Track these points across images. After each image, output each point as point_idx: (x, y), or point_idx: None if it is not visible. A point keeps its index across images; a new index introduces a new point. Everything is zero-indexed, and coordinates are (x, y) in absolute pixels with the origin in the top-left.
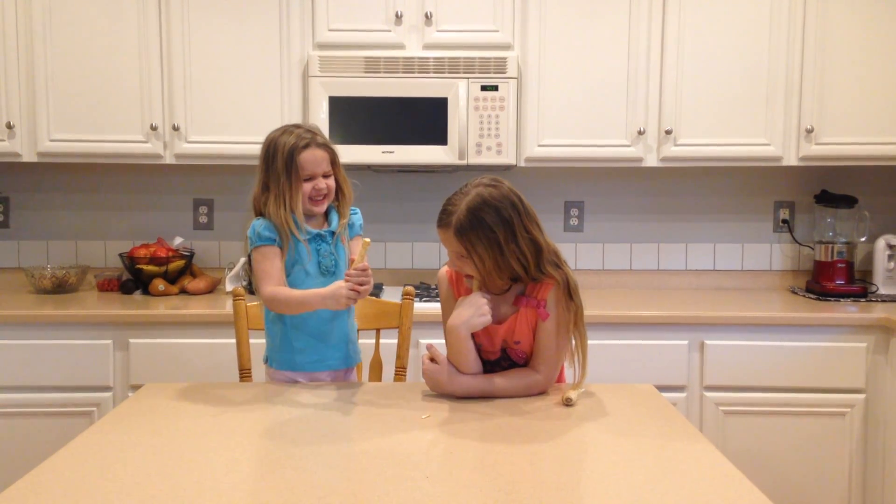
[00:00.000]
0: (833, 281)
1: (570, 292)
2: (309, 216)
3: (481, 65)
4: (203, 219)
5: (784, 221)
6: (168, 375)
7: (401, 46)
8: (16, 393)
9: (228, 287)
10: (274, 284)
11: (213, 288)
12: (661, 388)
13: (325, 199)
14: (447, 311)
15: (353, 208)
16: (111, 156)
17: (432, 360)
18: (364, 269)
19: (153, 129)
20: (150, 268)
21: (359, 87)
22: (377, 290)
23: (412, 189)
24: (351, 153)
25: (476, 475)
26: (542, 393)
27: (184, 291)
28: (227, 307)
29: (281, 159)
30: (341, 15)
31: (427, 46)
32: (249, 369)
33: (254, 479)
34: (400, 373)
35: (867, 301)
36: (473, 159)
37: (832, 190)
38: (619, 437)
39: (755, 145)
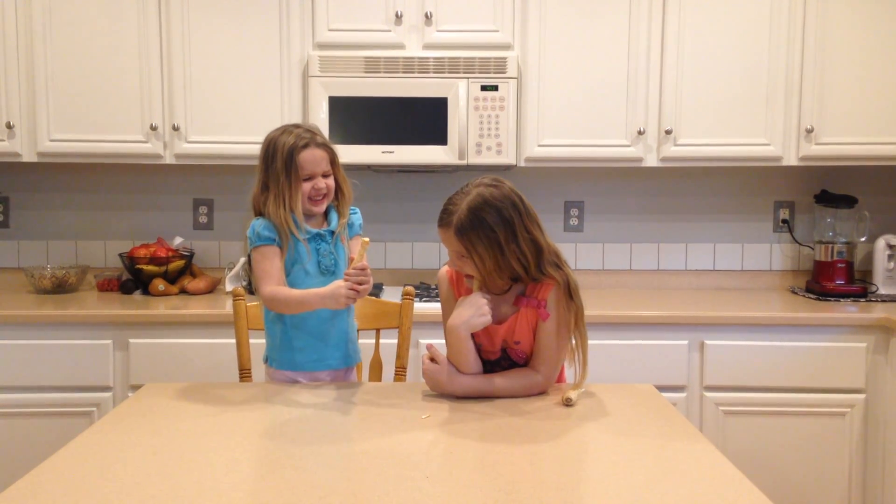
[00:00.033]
0: (833, 281)
1: (570, 293)
2: (308, 216)
3: (481, 65)
4: (203, 219)
5: (784, 221)
6: (168, 375)
7: (401, 46)
8: (16, 393)
9: (228, 287)
10: (273, 284)
11: (213, 288)
12: (661, 388)
13: (325, 199)
14: (447, 311)
15: (352, 208)
16: (111, 156)
17: (432, 359)
18: (363, 269)
19: (153, 129)
20: (150, 268)
21: (359, 87)
22: (377, 290)
23: (412, 189)
24: (351, 153)
25: (476, 475)
26: (542, 393)
27: (184, 291)
28: (227, 307)
29: (280, 159)
30: (341, 15)
31: (427, 46)
32: (249, 369)
33: (254, 479)
34: (400, 373)
35: (867, 301)
36: (473, 159)
37: (832, 190)
38: (619, 438)
39: (755, 145)
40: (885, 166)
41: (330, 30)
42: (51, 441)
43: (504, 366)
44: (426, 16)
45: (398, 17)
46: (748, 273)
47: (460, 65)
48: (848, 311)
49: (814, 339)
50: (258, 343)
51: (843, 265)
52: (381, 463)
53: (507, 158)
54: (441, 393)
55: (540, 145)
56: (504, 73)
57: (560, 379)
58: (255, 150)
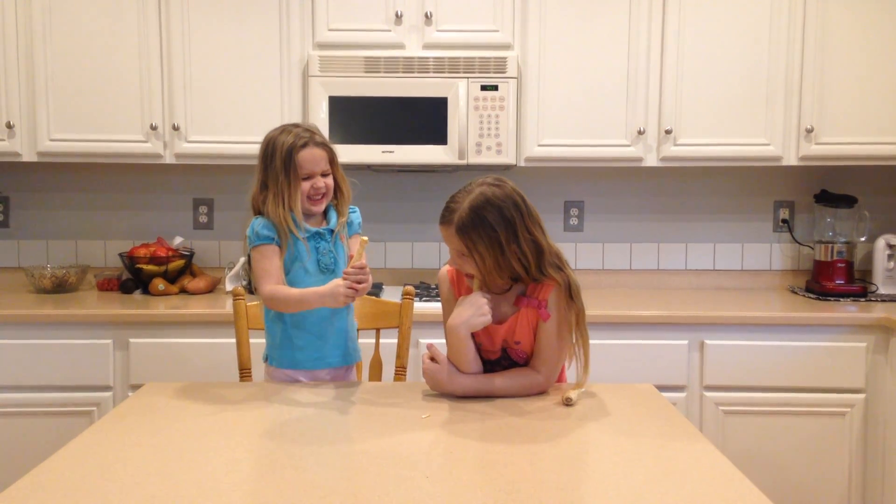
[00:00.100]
0: (833, 281)
1: (571, 294)
2: (308, 215)
3: (481, 65)
4: (203, 218)
5: (784, 221)
6: (168, 375)
7: (401, 46)
8: (16, 393)
9: (228, 287)
10: (273, 283)
11: (213, 287)
12: (661, 388)
13: (324, 199)
14: (448, 311)
15: (351, 206)
16: (111, 155)
17: (432, 359)
18: (362, 268)
19: (153, 128)
20: (150, 267)
21: (359, 87)
22: (377, 290)
23: (412, 189)
24: (351, 153)
25: (476, 475)
26: (541, 393)
27: (184, 291)
28: (227, 307)
29: (279, 158)
30: (341, 15)
31: (427, 46)
32: (249, 369)
33: (254, 479)
34: (400, 372)
35: (867, 301)
36: (473, 159)
37: (832, 190)
38: (620, 437)
39: (755, 145)
40: (885, 166)
41: (330, 30)
42: (51, 441)
43: (504, 365)
44: (426, 16)
45: (398, 17)
46: (748, 273)
47: (460, 65)
48: (848, 311)
49: (814, 339)
50: (258, 343)
51: (842, 265)
52: (381, 463)
53: (507, 158)
54: (441, 392)
55: (540, 145)
56: (504, 72)
57: (560, 379)
58: (255, 149)
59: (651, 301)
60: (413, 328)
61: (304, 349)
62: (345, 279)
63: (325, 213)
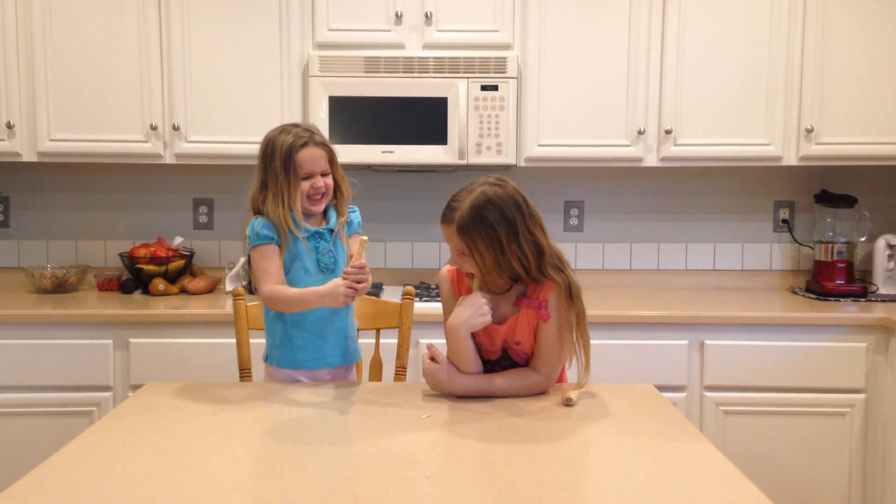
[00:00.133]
0: (833, 281)
1: (571, 296)
2: (307, 215)
3: (481, 65)
4: (203, 218)
5: (784, 221)
6: (168, 375)
7: (401, 46)
8: (16, 393)
9: (228, 287)
10: (273, 283)
11: (213, 288)
12: (662, 388)
13: (324, 199)
14: (448, 311)
15: (351, 206)
16: (111, 155)
17: (432, 359)
18: (362, 267)
19: (153, 128)
20: (151, 267)
21: (359, 87)
22: (377, 290)
23: (412, 189)
24: (351, 153)
25: (476, 475)
26: (541, 393)
27: (184, 291)
28: (227, 307)
29: (279, 158)
30: (341, 15)
31: (427, 46)
32: (249, 369)
33: (254, 479)
34: (400, 373)
35: (867, 301)
36: (473, 159)
37: (832, 190)
38: (620, 437)
39: (755, 145)
40: (885, 166)
41: (330, 30)
42: (51, 441)
43: (504, 365)
44: (426, 16)
45: (398, 17)
46: (748, 273)
47: (460, 65)
48: (848, 311)
49: (814, 339)
50: (258, 343)
51: (843, 265)
52: (382, 463)
53: (507, 158)
54: (441, 392)
55: (540, 145)
56: (504, 72)
57: (561, 379)
58: (256, 149)
59: (651, 301)
60: (413, 328)
61: (304, 349)
62: (344, 279)
63: (325, 213)
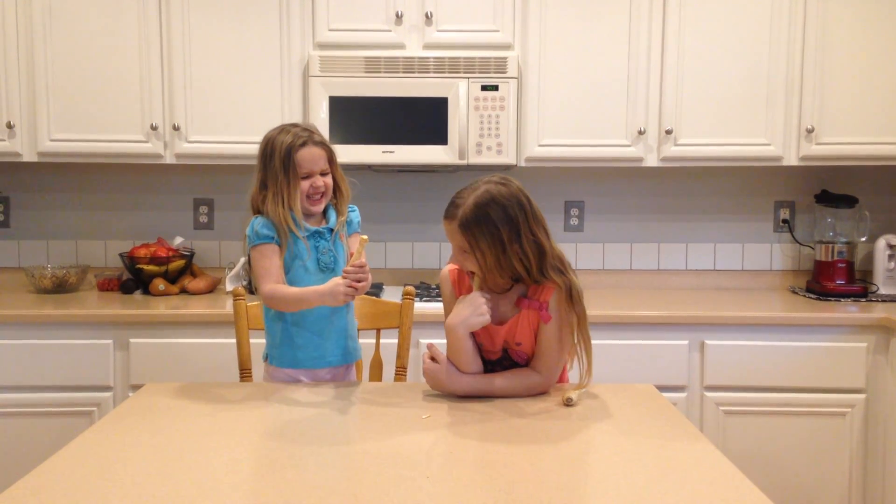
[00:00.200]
0: (833, 281)
1: (572, 298)
2: (307, 215)
3: (481, 65)
4: (203, 218)
5: (784, 221)
6: (168, 375)
7: (401, 46)
8: (16, 393)
9: (229, 287)
10: (273, 282)
11: (213, 288)
12: (662, 388)
13: (323, 198)
14: (449, 311)
15: (350, 206)
16: (111, 156)
17: (433, 359)
18: (362, 266)
19: (153, 128)
20: (151, 267)
21: (359, 87)
22: (377, 290)
23: (412, 189)
24: (351, 153)
25: (476, 475)
26: (542, 393)
27: (184, 291)
28: (228, 307)
29: (278, 157)
30: (341, 15)
31: (427, 46)
32: (250, 369)
33: (254, 479)
34: (400, 373)
35: (867, 301)
36: (474, 159)
37: (832, 190)
38: (620, 438)
39: (755, 145)
40: (885, 166)
41: (330, 30)
42: (51, 441)
43: (505, 366)
44: (426, 16)
45: (398, 17)
46: (748, 273)
47: (460, 65)
48: (848, 311)
49: (814, 339)
50: (258, 343)
51: (843, 265)
52: (382, 463)
53: (507, 158)
54: (441, 392)
55: (540, 145)
56: (504, 72)
57: (562, 379)
58: (256, 149)
59: (651, 301)
60: (413, 328)
61: (305, 348)
62: (344, 277)
63: (325, 213)
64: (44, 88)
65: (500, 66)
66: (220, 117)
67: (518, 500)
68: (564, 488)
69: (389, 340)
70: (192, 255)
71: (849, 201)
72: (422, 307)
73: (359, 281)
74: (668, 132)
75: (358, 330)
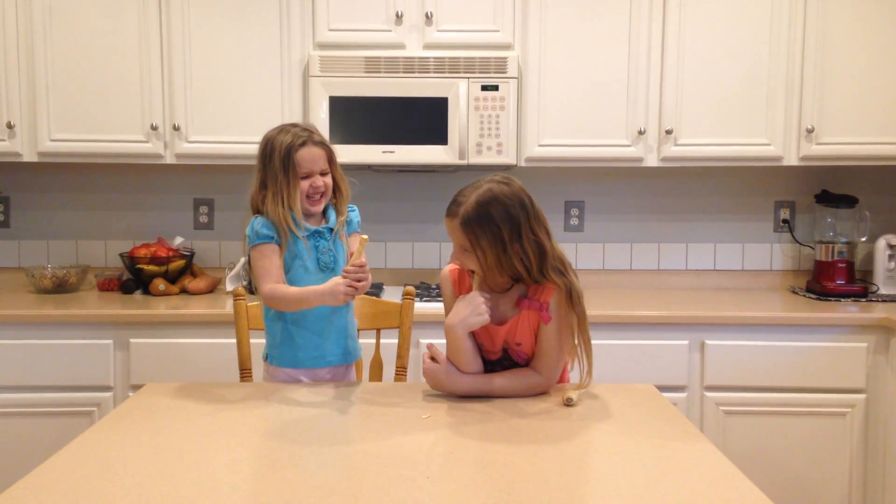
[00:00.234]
0: (833, 281)
1: (572, 300)
2: (307, 215)
3: (481, 65)
4: (203, 218)
5: (784, 221)
6: (168, 375)
7: (401, 46)
8: (16, 393)
9: (229, 287)
10: (273, 282)
11: (213, 288)
12: (662, 388)
13: (323, 198)
14: (450, 311)
15: (350, 206)
16: (112, 156)
17: (433, 358)
18: (362, 266)
19: (154, 128)
20: (151, 267)
21: (359, 87)
22: (378, 290)
23: (412, 189)
24: (351, 153)
25: (477, 475)
26: (542, 394)
27: (184, 291)
28: (228, 307)
29: (278, 157)
30: (342, 15)
31: (427, 46)
32: (250, 369)
33: (254, 479)
34: (400, 373)
35: (868, 301)
36: (474, 159)
37: (832, 190)
38: (620, 438)
39: (756, 145)
40: (885, 166)
41: (330, 30)
42: (51, 441)
43: (505, 366)
44: (426, 16)
45: (398, 17)
46: (748, 273)
47: (461, 65)
48: (848, 311)
49: (814, 339)
50: (259, 343)
51: (843, 265)
52: (382, 463)
53: (507, 158)
54: (441, 392)
55: (540, 145)
56: (504, 72)
57: (563, 379)
58: (256, 149)
59: (651, 301)
60: (413, 328)
61: (305, 347)
62: (344, 277)
63: (325, 212)
64: (44, 88)
65: (500, 66)
66: (221, 117)
67: (518, 500)
68: (564, 488)
69: (389, 340)
70: (193, 255)
71: (849, 201)
72: (422, 307)
73: (359, 280)
74: (669, 132)
75: (358, 330)
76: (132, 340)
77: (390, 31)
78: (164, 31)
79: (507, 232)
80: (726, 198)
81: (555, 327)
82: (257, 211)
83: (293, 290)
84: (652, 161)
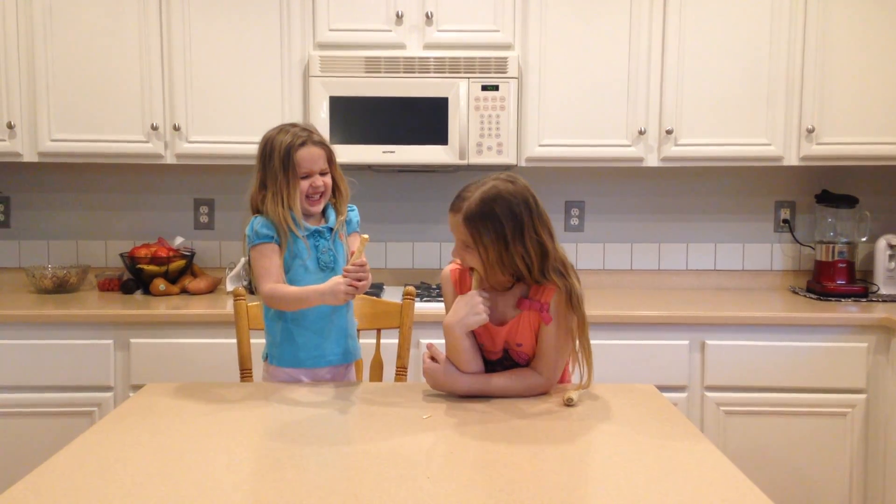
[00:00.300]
0: (834, 281)
1: (571, 302)
2: (307, 215)
3: (482, 65)
4: (204, 218)
5: (785, 221)
6: (169, 375)
7: (401, 46)
8: (16, 393)
9: (229, 287)
10: (273, 281)
11: (213, 288)
12: (662, 389)
13: (322, 198)
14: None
15: (350, 205)
16: (112, 156)
17: (433, 358)
18: (362, 265)
19: (154, 128)
20: (151, 267)
21: (359, 87)
22: (378, 290)
23: (413, 189)
24: (351, 153)
25: (477, 475)
26: (542, 394)
27: (185, 291)
28: (228, 307)
29: (278, 157)
30: (342, 15)
31: (428, 46)
32: (250, 369)
33: (254, 479)
34: (401, 373)
35: (868, 301)
36: (474, 159)
37: (833, 190)
38: (621, 438)
39: (756, 145)
40: (885, 166)
41: (331, 30)
42: (51, 441)
43: (506, 366)
44: (427, 16)
45: (399, 17)
46: (749, 273)
47: (461, 65)
48: (849, 311)
49: (815, 339)
50: (259, 343)
51: (843, 265)
52: (382, 463)
53: (507, 158)
54: (441, 391)
55: (540, 145)
56: (505, 73)
57: (563, 379)
58: (256, 149)
59: (652, 301)
60: (414, 328)
61: (305, 347)
62: (345, 276)
63: (324, 212)
64: (44, 88)
65: (501, 66)
66: (221, 117)
67: (518, 500)
68: (565, 488)
69: (390, 340)
70: (193, 255)
71: (849, 201)
72: (422, 307)
73: (359, 280)
74: (669, 132)
75: (358, 330)
76: (132, 340)
77: (390, 31)
78: (164, 31)
79: (509, 229)
80: (726, 198)
81: (555, 328)
82: (257, 211)
83: (293, 289)
84: (652, 161)
